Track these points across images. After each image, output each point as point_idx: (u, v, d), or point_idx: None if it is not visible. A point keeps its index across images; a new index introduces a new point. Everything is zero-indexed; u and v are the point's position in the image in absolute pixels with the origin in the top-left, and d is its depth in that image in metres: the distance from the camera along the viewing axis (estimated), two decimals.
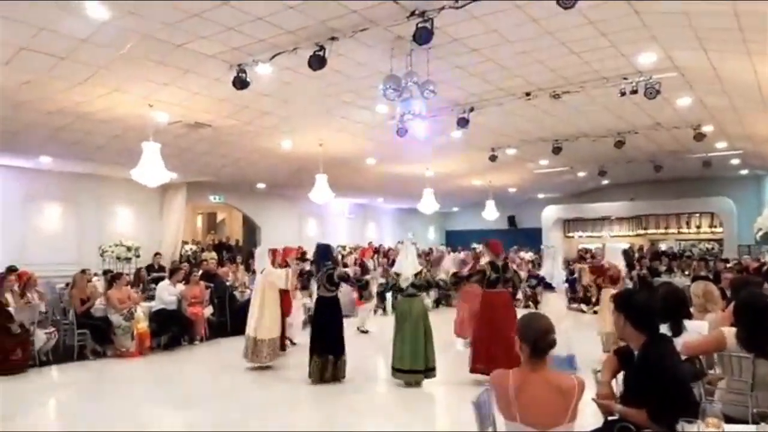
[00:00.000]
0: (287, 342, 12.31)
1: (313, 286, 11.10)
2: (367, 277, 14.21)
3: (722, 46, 9.04)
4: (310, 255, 15.65)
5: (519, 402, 3.47)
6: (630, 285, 16.08)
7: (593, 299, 13.09)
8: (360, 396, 9.08)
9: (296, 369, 10.26)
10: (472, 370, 9.52)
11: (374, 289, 15.53)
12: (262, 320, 10.56)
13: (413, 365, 9.31)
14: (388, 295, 16.40)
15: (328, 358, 9.51)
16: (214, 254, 20.36)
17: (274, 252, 11.59)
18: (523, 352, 3.62)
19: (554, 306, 10.30)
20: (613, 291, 10.96)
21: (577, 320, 12.55)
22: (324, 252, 10.36)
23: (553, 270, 10.84)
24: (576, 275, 15.19)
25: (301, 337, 12.51)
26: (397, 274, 9.83)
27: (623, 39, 9.13)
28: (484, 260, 10.72)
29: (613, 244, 15.04)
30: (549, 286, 10.72)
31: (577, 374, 3.60)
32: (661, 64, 10.19)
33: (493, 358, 9.12)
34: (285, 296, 11.47)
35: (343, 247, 23.10)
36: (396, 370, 9.48)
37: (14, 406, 8.34)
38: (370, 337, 14.15)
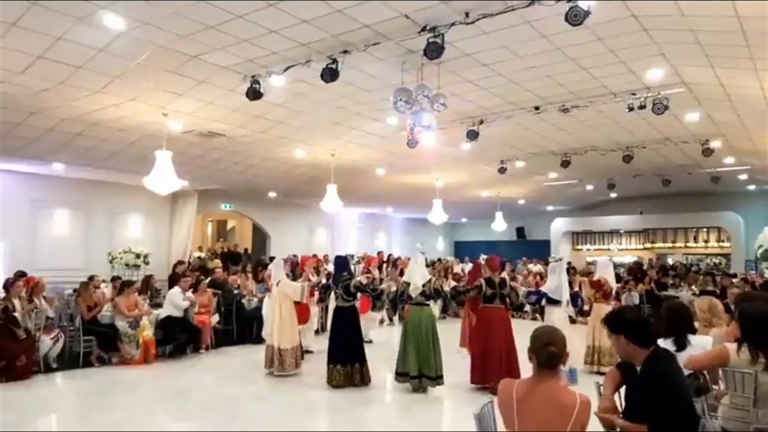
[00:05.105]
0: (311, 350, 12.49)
1: (331, 297, 11.26)
2: (383, 286, 14.25)
3: (729, 62, 9.10)
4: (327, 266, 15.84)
5: (519, 413, 3.51)
6: (636, 300, 16.18)
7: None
8: (365, 406, 9.14)
9: (301, 378, 10.35)
10: (473, 381, 9.72)
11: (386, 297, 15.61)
12: (283, 330, 10.72)
13: (422, 371, 9.52)
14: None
15: (354, 367, 9.86)
16: (218, 262, 20.46)
17: (284, 261, 11.69)
18: (533, 363, 3.68)
19: (557, 319, 10.31)
20: (605, 306, 11.02)
21: (582, 333, 12.53)
22: (341, 263, 10.67)
23: (560, 284, 10.81)
24: (577, 288, 15.23)
25: (316, 344, 12.70)
26: (407, 283, 9.95)
27: (632, 55, 9.20)
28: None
29: (603, 259, 14.96)
30: (553, 301, 10.71)
31: (580, 392, 3.62)
32: (669, 80, 10.25)
33: (487, 372, 9.35)
34: (301, 306, 11.58)
35: (352, 256, 23.12)
36: (401, 375, 9.66)
37: (18, 413, 8.40)
38: (375, 347, 14.17)
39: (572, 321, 13.47)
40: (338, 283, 10.28)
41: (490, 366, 9.47)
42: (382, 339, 14.91)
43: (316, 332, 13.87)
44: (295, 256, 16.94)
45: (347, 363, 9.86)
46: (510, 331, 9.93)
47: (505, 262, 16.64)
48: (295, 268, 12.91)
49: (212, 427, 8.03)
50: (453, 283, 17.12)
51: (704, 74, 9.80)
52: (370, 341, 14.61)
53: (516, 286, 11.30)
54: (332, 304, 11.09)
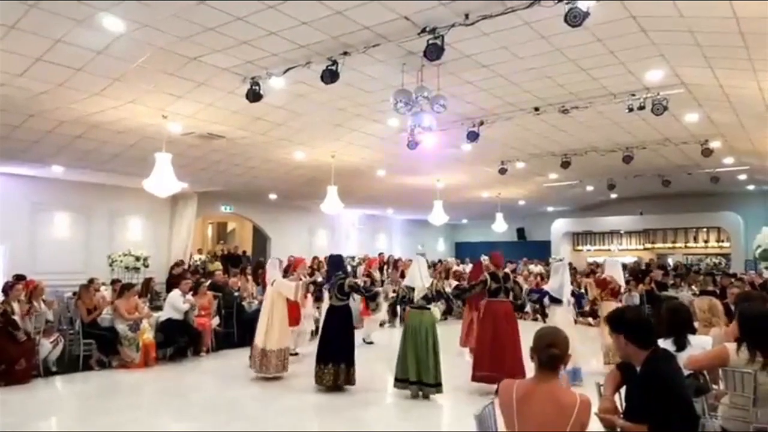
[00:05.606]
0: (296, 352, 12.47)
1: (326, 295, 11.21)
2: (378, 288, 14.25)
3: (728, 63, 9.11)
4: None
5: (519, 412, 3.52)
6: (637, 300, 16.18)
7: (599, 313, 13.11)
8: (365, 408, 9.16)
9: (301, 379, 10.32)
10: (475, 379, 9.66)
11: (382, 300, 15.59)
12: (271, 331, 10.65)
13: (421, 377, 9.42)
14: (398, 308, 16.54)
15: (339, 367, 9.67)
16: (218, 264, 20.47)
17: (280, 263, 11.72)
18: (534, 363, 3.70)
19: (561, 319, 10.28)
20: (613, 304, 11.03)
21: (585, 334, 12.56)
22: (336, 262, 10.62)
23: (562, 284, 10.79)
24: (582, 290, 15.30)
25: (309, 347, 12.66)
26: (410, 288, 9.90)
27: (631, 56, 9.20)
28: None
29: (612, 258, 15.03)
30: (555, 300, 10.70)
31: (582, 392, 3.63)
32: (668, 81, 10.25)
33: (497, 366, 9.26)
34: (292, 307, 11.56)
35: (353, 258, 23.14)
36: (401, 381, 9.58)
37: (18, 417, 8.37)
38: (376, 348, 14.21)
39: (574, 321, 13.49)
40: (332, 282, 10.23)
41: (499, 359, 9.42)
42: (383, 341, 14.92)
43: (315, 333, 13.88)
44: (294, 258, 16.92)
45: (334, 363, 9.71)
46: (516, 325, 9.92)
47: (508, 261, 16.64)
48: (288, 270, 12.88)
49: (213, 428, 8.05)
50: (455, 283, 17.12)
51: (703, 75, 9.81)
52: (371, 342, 14.65)
53: (519, 281, 11.24)
54: (326, 303, 11.04)
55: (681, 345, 5.17)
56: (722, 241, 26.68)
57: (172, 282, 14.96)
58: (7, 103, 10.58)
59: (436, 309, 12.06)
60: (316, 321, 13.79)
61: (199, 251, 22.67)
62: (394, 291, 16.37)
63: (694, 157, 16.08)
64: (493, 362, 9.47)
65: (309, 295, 12.91)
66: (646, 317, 4.38)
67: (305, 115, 12.24)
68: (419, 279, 9.83)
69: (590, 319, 17.76)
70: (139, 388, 10.42)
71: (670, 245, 28.48)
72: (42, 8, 7.30)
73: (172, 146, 12.16)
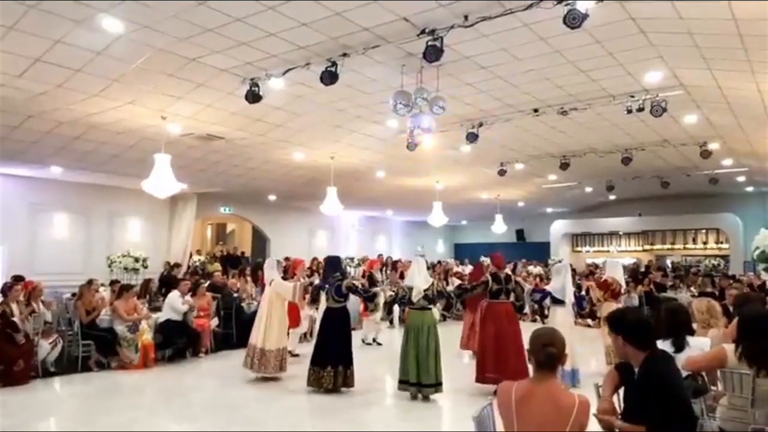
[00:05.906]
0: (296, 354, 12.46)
1: (323, 297, 11.16)
2: (376, 289, 14.24)
3: (727, 65, 9.12)
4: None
5: (518, 413, 3.52)
6: (636, 301, 16.18)
7: (599, 314, 13.10)
8: (365, 409, 9.14)
9: (300, 380, 10.26)
10: (480, 380, 9.62)
11: (381, 301, 15.57)
12: (269, 330, 10.58)
13: (422, 379, 9.39)
14: (395, 307, 16.50)
15: (338, 369, 9.62)
16: (218, 265, 20.46)
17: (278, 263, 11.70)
18: (532, 364, 3.70)
19: (561, 320, 10.28)
20: (613, 305, 11.02)
21: (584, 335, 12.54)
22: (333, 264, 10.54)
23: (564, 285, 10.77)
24: (584, 291, 15.29)
25: (300, 348, 12.70)
26: (409, 288, 9.89)
27: (630, 58, 9.21)
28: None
29: (613, 259, 15.05)
30: (557, 301, 10.69)
31: (580, 392, 3.63)
32: (667, 82, 10.26)
33: (502, 367, 9.21)
34: (292, 308, 11.52)
35: (352, 259, 23.14)
36: (402, 382, 9.56)
37: (16, 418, 8.35)
38: (375, 349, 14.22)
39: (573, 323, 13.47)
40: (330, 283, 10.18)
41: (502, 360, 9.39)
42: (383, 341, 14.92)
43: (310, 335, 13.89)
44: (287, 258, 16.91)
45: (333, 366, 9.66)
46: (517, 325, 9.93)
47: (508, 262, 16.61)
48: (287, 271, 12.85)
49: (213, 429, 8.05)
50: (457, 282, 17.10)
51: (702, 77, 9.82)
52: (372, 342, 14.63)
53: (521, 281, 11.23)
54: (323, 305, 10.97)
55: (679, 346, 5.17)
56: (721, 243, 26.71)
57: (170, 282, 14.93)
58: (6, 104, 10.58)
59: (436, 310, 12.03)
60: (313, 322, 13.79)
61: (198, 252, 22.67)
62: (392, 290, 16.34)
63: (692, 159, 16.10)
64: (496, 364, 9.44)
65: (306, 296, 12.89)
66: (645, 318, 4.38)
67: (304, 116, 12.24)
68: (418, 279, 9.82)
69: (589, 321, 17.76)
70: (138, 389, 10.40)
71: (669, 246, 28.50)
72: (41, 9, 7.30)
73: (171, 147, 12.17)
